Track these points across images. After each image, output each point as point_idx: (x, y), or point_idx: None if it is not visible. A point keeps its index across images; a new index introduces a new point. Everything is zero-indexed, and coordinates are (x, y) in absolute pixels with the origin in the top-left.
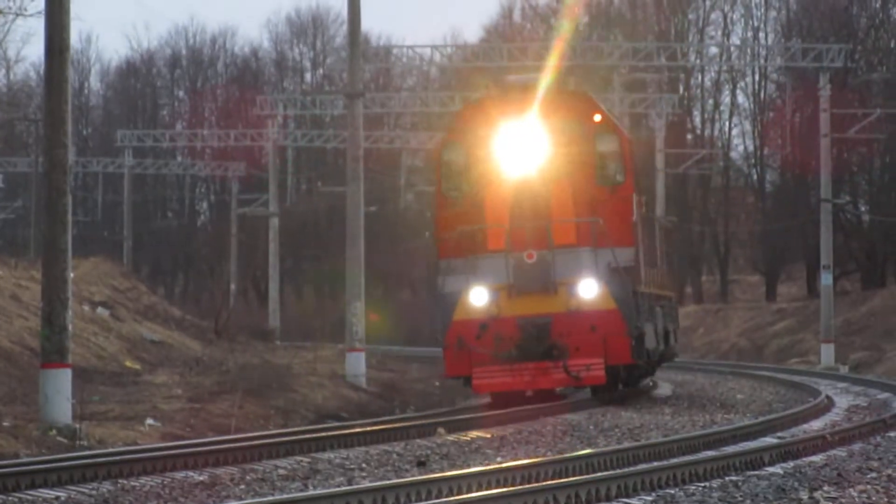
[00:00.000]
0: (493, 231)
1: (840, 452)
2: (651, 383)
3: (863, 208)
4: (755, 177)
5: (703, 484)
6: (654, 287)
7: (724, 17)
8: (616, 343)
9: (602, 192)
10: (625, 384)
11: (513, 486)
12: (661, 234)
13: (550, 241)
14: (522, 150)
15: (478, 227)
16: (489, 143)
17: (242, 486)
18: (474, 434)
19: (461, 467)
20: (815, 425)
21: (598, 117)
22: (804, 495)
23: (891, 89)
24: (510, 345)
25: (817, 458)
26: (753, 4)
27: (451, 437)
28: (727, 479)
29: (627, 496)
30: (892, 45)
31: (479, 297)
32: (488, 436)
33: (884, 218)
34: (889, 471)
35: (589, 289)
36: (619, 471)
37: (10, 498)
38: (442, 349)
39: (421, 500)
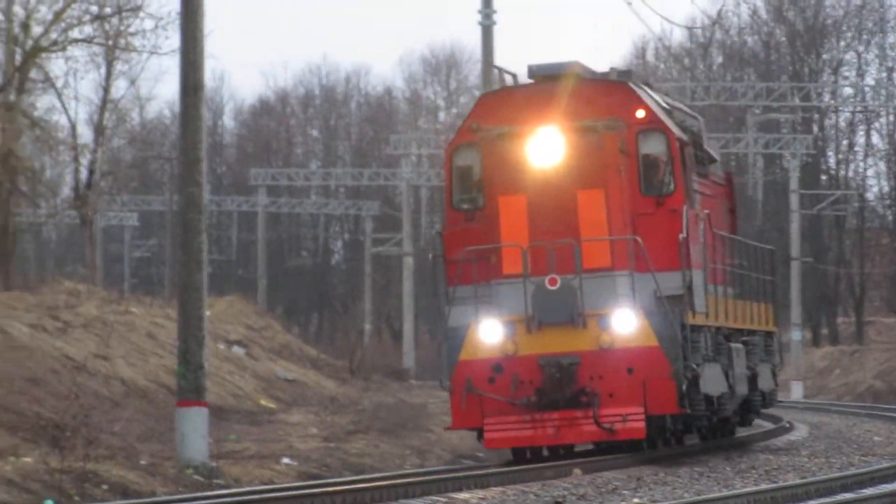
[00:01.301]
0: (508, 251)
1: None
2: (788, 425)
3: None
4: (891, 217)
5: None
6: (731, 319)
7: (859, 57)
8: (659, 388)
9: (646, 205)
10: (709, 435)
11: None
12: (755, 259)
13: (579, 264)
14: (547, 152)
15: (490, 247)
16: (508, 143)
17: None
18: (610, 475)
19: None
20: None
21: (641, 113)
22: None
23: None
24: (530, 390)
25: None
26: (888, 45)
27: (587, 478)
28: None
29: None
30: None
31: (491, 331)
32: (625, 477)
33: None
34: None
35: (625, 322)
36: None
37: None
38: (448, 394)
39: None
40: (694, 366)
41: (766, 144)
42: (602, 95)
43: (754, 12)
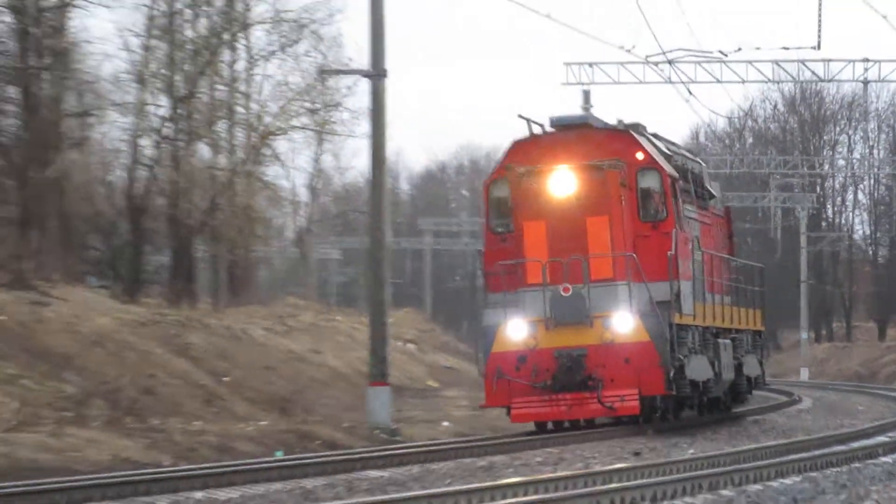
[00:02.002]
0: (531, 265)
1: None
2: (797, 398)
3: None
4: (871, 252)
5: (835, 469)
6: (720, 320)
7: (849, 139)
8: (650, 375)
9: (644, 228)
10: (707, 410)
11: (699, 469)
12: (747, 274)
13: (587, 276)
14: (562, 186)
15: (516, 262)
16: (532, 179)
17: (510, 470)
18: (675, 436)
19: (665, 457)
20: None
21: (640, 155)
22: None
23: None
24: (547, 376)
25: None
26: (869, 129)
27: (658, 438)
28: (852, 465)
29: (782, 477)
30: None
31: (517, 329)
32: (685, 438)
33: None
34: None
35: (623, 322)
36: (774, 460)
37: (350, 476)
38: (483, 379)
39: (637, 479)
40: (681, 357)
41: (783, 200)
42: (608, 141)
43: (775, 107)
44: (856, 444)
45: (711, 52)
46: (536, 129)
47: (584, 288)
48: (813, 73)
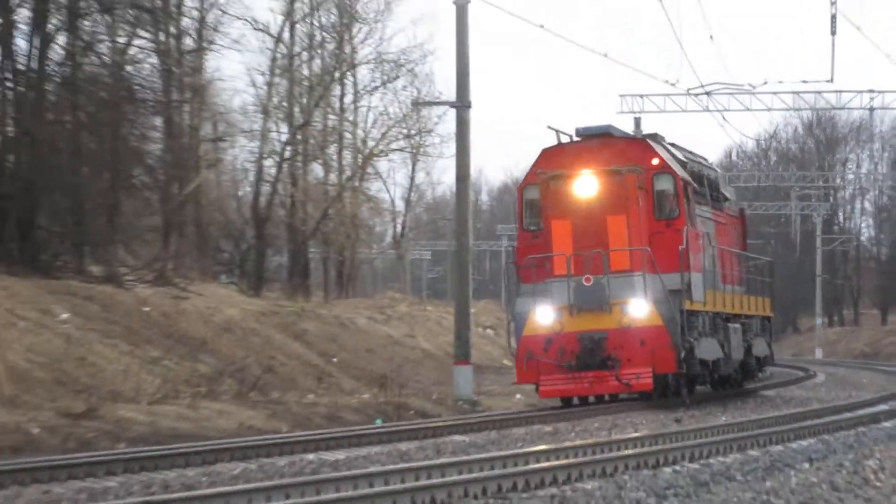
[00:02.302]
0: (557, 259)
1: None
2: (813, 373)
3: None
4: (875, 251)
5: (844, 432)
6: (731, 307)
7: (857, 157)
8: (662, 355)
9: (659, 226)
10: (723, 385)
11: (729, 433)
12: (758, 267)
13: (606, 268)
14: (586, 188)
15: (544, 256)
16: (559, 182)
17: (573, 434)
18: (709, 406)
19: (702, 423)
20: None
21: (655, 161)
22: None
23: None
24: (571, 356)
25: None
26: (874, 149)
27: (694, 407)
28: (859, 429)
29: (800, 439)
30: None
31: (545, 315)
32: (719, 408)
33: None
34: (767, 483)
35: (639, 308)
36: (793, 425)
37: (438, 440)
38: (514, 360)
39: (679, 441)
40: (691, 339)
41: (801, 209)
42: (627, 148)
43: (795, 130)
44: (862, 412)
45: (742, 85)
46: (564, 139)
47: (604, 278)
48: (827, 101)
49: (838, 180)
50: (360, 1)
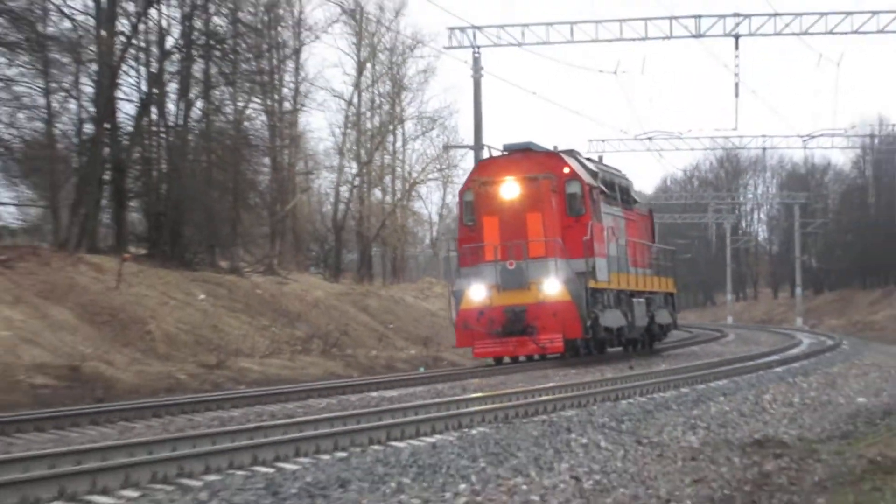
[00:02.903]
0: (487, 247)
1: (805, 362)
2: (722, 333)
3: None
4: (768, 248)
5: (748, 375)
6: (633, 285)
7: (754, 182)
8: (570, 324)
9: (570, 221)
10: (638, 346)
11: (668, 376)
12: (663, 254)
13: (526, 254)
14: (510, 191)
15: (477, 245)
16: (489, 187)
17: (557, 378)
18: (654, 359)
19: (647, 370)
20: (794, 351)
21: (567, 170)
22: (791, 380)
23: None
24: (499, 325)
25: (797, 365)
26: (766, 177)
27: (642, 360)
28: (758, 373)
29: (717, 380)
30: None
31: (478, 292)
32: (659, 360)
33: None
34: (825, 369)
35: (551, 287)
36: (711, 371)
37: (463, 382)
38: (454, 328)
39: (631, 382)
40: (596, 311)
41: (716, 219)
42: (545, 160)
43: (711, 163)
44: (760, 361)
45: (673, 132)
46: (496, 153)
47: (524, 263)
48: (733, 143)
49: (741, 199)
50: (406, 75)
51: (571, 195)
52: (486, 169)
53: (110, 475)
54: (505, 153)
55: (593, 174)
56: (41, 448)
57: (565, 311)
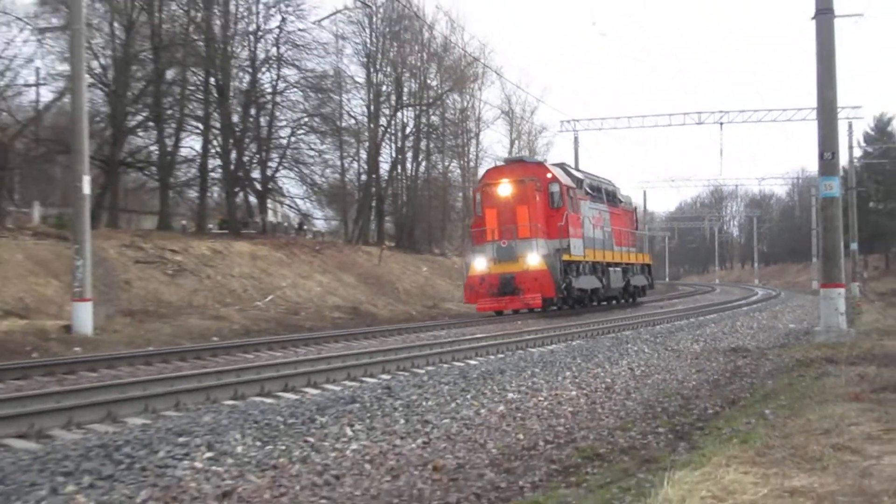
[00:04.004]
0: (488, 231)
1: (759, 305)
2: (712, 288)
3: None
4: (740, 241)
5: (726, 311)
6: (608, 258)
7: (731, 205)
8: (547, 287)
9: (551, 212)
10: (622, 299)
11: (680, 313)
12: (641, 238)
13: (515, 235)
14: (505, 190)
15: (482, 229)
16: (491, 188)
17: (577, 321)
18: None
19: (675, 308)
20: (753, 298)
21: (549, 175)
22: (752, 314)
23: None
24: (495, 287)
25: (755, 306)
26: (736, 202)
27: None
28: (733, 311)
29: (710, 314)
30: None
31: (480, 263)
32: (678, 300)
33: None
34: (771, 308)
35: (533, 259)
36: (707, 308)
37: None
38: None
39: (662, 314)
40: (571, 277)
41: (709, 225)
42: (533, 168)
43: (706, 194)
44: (734, 304)
45: (685, 177)
46: (499, 163)
47: (514, 242)
48: (719, 183)
49: (724, 213)
50: (537, 147)
51: (552, 193)
52: (490, 175)
53: (377, 366)
54: (502, 163)
55: (578, 180)
56: (338, 352)
57: (543, 277)
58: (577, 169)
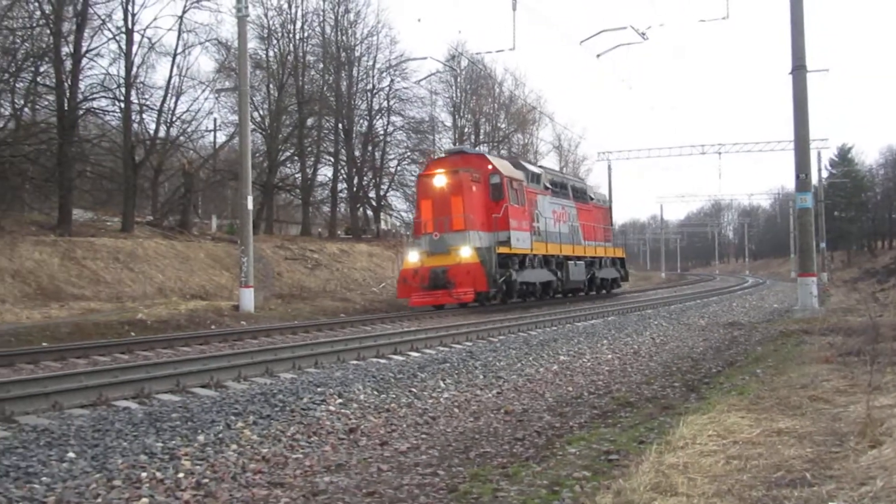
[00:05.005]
0: (424, 222)
1: (750, 289)
2: (713, 277)
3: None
4: (735, 243)
5: (724, 295)
6: (567, 252)
7: (727, 216)
8: (479, 280)
9: (492, 204)
10: (596, 290)
11: (690, 296)
12: (614, 233)
13: (448, 228)
14: (440, 181)
15: (418, 221)
16: (426, 178)
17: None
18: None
19: (685, 292)
20: (745, 284)
21: (490, 166)
22: (744, 296)
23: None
24: (427, 281)
25: (747, 290)
26: (731, 213)
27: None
28: (730, 294)
29: (713, 298)
30: None
31: (413, 256)
32: (689, 285)
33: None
34: (759, 292)
35: (466, 252)
36: (708, 293)
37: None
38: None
39: (677, 296)
40: (513, 271)
41: (712, 231)
42: (474, 159)
43: (708, 206)
44: (730, 288)
45: (693, 192)
46: (441, 153)
47: (447, 234)
48: (718, 197)
49: (721, 221)
50: (581, 173)
51: (494, 185)
52: (430, 166)
53: (462, 335)
54: (446, 155)
55: (532, 174)
56: (432, 324)
57: (475, 271)
58: (539, 165)
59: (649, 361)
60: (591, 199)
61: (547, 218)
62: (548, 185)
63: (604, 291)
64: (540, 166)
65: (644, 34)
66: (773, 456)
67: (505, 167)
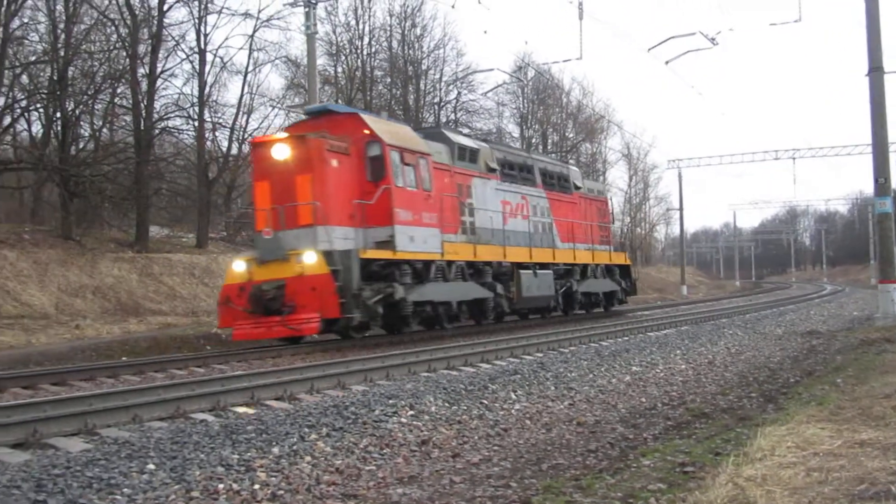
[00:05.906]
0: (259, 214)
1: (828, 297)
2: (821, 287)
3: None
4: (811, 248)
5: (801, 303)
6: (523, 257)
7: (802, 221)
8: (327, 301)
9: (370, 186)
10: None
11: (765, 305)
12: (611, 232)
13: (286, 222)
14: (281, 153)
15: (251, 210)
16: (263, 149)
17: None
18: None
19: (761, 300)
20: (823, 292)
21: (367, 131)
22: (822, 304)
23: None
24: (251, 304)
25: (826, 298)
26: (806, 219)
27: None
28: (806, 302)
29: (787, 306)
30: None
31: (239, 265)
32: (763, 296)
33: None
34: (838, 300)
35: (309, 257)
36: (784, 301)
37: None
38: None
39: (751, 306)
40: (400, 286)
41: (786, 236)
42: (344, 121)
43: (782, 213)
44: (807, 296)
45: (766, 199)
46: (303, 116)
47: (282, 232)
48: (794, 204)
49: (798, 229)
50: (651, 182)
51: (373, 158)
52: (286, 132)
53: (533, 346)
54: (305, 117)
55: (466, 149)
56: (503, 336)
57: (323, 286)
58: (484, 139)
59: (724, 371)
60: (578, 188)
61: (490, 211)
62: (494, 165)
63: (598, 310)
64: (484, 140)
65: (714, 39)
66: (856, 468)
67: (394, 133)
